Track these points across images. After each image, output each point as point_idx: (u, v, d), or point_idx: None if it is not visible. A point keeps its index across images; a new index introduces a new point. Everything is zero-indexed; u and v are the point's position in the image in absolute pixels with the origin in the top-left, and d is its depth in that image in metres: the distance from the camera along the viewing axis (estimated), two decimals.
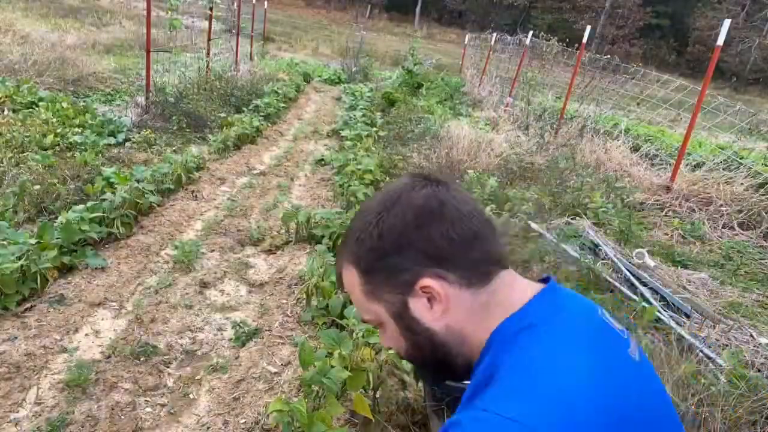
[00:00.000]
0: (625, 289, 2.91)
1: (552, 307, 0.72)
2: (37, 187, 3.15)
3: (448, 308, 0.72)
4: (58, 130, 4.37)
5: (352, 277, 0.76)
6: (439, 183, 0.76)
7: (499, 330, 0.71)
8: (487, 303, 0.72)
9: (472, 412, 0.62)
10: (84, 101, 5.81)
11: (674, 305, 2.88)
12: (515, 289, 0.74)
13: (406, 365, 1.88)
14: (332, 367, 1.55)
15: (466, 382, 0.74)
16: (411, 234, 0.71)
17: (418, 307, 0.73)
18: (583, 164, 5.76)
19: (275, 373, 2.06)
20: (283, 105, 7.89)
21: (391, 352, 1.62)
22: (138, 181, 3.48)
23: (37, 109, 4.98)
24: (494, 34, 12.73)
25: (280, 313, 2.51)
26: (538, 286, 0.75)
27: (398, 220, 0.72)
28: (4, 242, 2.36)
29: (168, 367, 2.05)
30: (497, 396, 0.63)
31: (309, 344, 1.60)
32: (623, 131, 7.11)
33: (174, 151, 4.76)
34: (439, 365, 0.78)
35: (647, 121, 8.40)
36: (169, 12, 5.86)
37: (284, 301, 2.62)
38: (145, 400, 1.85)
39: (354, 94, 9.95)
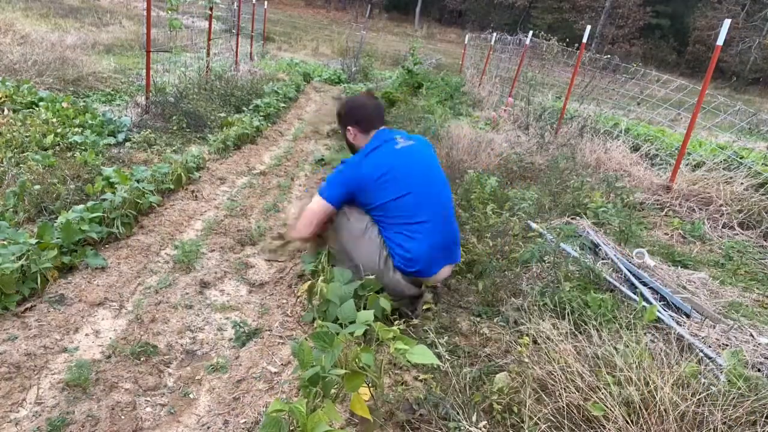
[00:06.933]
0: (625, 289, 2.91)
1: (378, 137, 2.59)
2: (37, 187, 3.14)
3: (355, 137, 2.68)
4: (58, 130, 4.37)
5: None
6: (370, 96, 2.82)
7: (364, 147, 2.59)
8: (367, 138, 2.63)
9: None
10: (84, 101, 5.80)
11: (674, 305, 2.88)
12: (375, 134, 2.66)
13: (406, 363, 1.89)
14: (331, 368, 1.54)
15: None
16: (348, 112, 2.70)
17: (347, 134, 2.71)
18: (583, 164, 5.76)
19: (275, 373, 2.06)
20: (283, 105, 7.89)
21: (391, 351, 1.62)
22: (138, 181, 3.48)
23: (37, 109, 4.97)
24: (494, 34, 12.71)
25: (280, 313, 2.51)
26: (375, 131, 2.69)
27: (346, 108, 2.73)
28: (4, 242, 2.36)
29: (168, 366, 2.05)
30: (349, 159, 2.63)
31: (307, 344, 1.60)
32: (623, 131, 7.10)
33: (174, 151, 4.76)
34: (351, 149, 2.77)
35: (647, 121, 8.40)
36: (169, 12, 5.86)
37: (284, 301, 2.62)
38: (146, 400, 1.85)
39: (354, 94, 9.94)
